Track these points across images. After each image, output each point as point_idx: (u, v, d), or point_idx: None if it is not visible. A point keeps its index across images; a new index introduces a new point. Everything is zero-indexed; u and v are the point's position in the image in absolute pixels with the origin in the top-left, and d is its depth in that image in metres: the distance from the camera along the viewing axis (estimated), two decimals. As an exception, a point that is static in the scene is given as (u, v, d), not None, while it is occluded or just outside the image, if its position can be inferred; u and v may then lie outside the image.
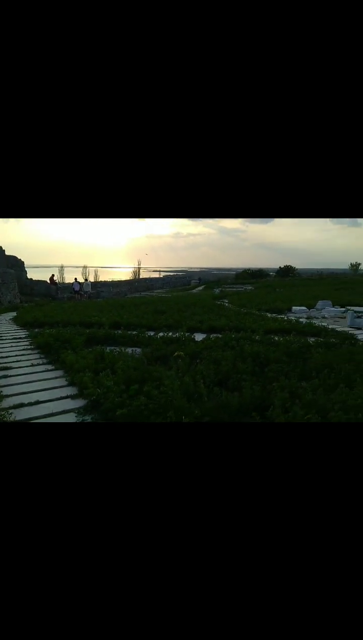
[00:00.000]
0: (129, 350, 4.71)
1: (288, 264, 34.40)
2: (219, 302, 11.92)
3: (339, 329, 6.78)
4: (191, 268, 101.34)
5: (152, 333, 5.97)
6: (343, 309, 9.30)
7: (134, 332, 5.91)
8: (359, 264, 35.60)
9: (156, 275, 41.42)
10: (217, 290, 18.52)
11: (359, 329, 7.06)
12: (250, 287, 20.73)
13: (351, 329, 7.04)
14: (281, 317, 7.95)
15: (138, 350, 4.79)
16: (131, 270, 37.88)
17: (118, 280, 26.87)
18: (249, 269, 36.10)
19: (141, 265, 38.16)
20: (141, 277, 34.54)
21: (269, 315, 8.56)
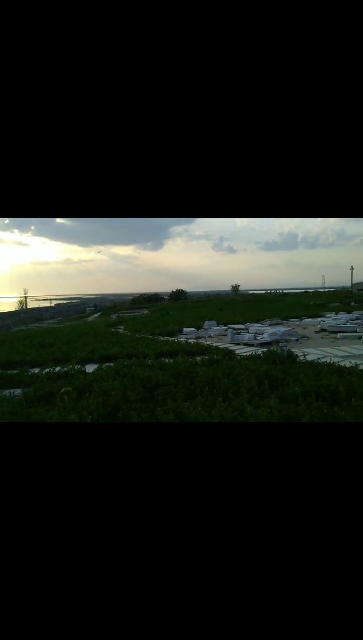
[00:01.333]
0: (6, 393, 4.21)
1: (179, 288, 36.68)
2: (114, 329, 11.81)
3: (222, 346, 7.50)
4: (86, 295, 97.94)
5: (37, 370, 5.49)
6: (226, 327, 10.36)
7: (15, 372, 5.33)
8: (239, 286, 40.41)
9: (46, 304, 38.58)
10: (114, 317, 18.36)
11: (238, 344, 7.95)
12: (146, 312, 21.22)
13: (231, 344, 7.87)
14: (172, 340, 8.35)
15: (18, 391, 4.32)
16: (17, 300, 34.36)
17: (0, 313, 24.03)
18: (145, 294, 37.03)
19: (28, 295, 35.00)
20: (28, 307, 31.65)
21: (161, 338, 8.89)
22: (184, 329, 10.44)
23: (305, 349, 6.75)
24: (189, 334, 9.94)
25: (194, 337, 9.38)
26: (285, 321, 12.01)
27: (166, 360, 5.60)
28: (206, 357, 5.78)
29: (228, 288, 43.09)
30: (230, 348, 7.16)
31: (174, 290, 36.10)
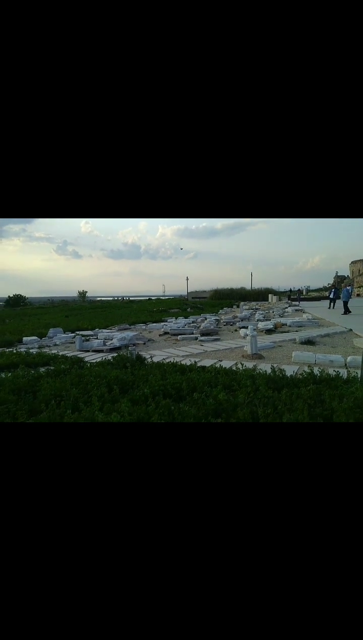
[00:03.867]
0: None
1: (17, 293, 32.55)
2: None
3: (69, 354, 7.07)
4: None
5: None
6: (73, 334, 9.84)
7: None
8: (86, 292, 39.37)
9: None
10: None
11: (87, 351, 7.69)
12: (-29, 320, 17.67)
13: (80, 352, 7.53)
14: (10, 351, 7.28)
15: None
16: None
17: None
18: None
19: None
20: None
21: (-5, 350, 7.60)
22: (24, 338, 9.29)
23: (151, 352, 7.17)
24: (31, 343, 8.91)
25: (37, 346, 8.47)
26: (132, 326, 12.44)
27: (3, 375, 4.81)
28: (52, 368, 5.31)
29: (75, 294, 41.33)
30: (79, 356, 6.83)
31: (12, 296, 31.78)
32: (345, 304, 13.63)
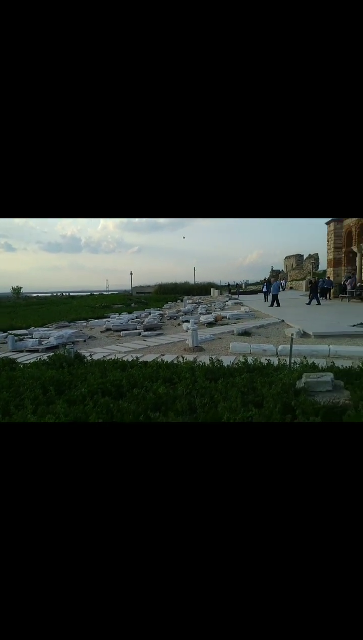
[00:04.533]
0: None
1: None
2: None
3: (1, 355, 6.55)
4: None
5: None
6: (5, 333, 9.12)
7: None
8: (20, 288, 36.66)
9: None
10: None
11: (21, 351, 7.19)
12: None
13: (13, 353, 7.02)
14: None
15: None
16: None
17: None
18: None
19: None
20: None
21: None
22: None
23: (92, 349, 6.96)
24: None
25: None
26: (72, 323, 11.93)
27: None
28: (-21, 371, 4.87)
29: (8, 290, 38.25)
30: (11, 357, 6.36)
31: None
32: (275, 296, 14.59)
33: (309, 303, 14.41)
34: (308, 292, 15.76)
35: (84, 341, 8.25)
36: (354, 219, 17.60)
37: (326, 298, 17.68)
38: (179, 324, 10.67)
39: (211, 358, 4.93)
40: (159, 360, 5.32)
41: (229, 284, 37.46)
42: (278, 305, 14.26)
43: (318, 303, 14.38)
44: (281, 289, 16.75)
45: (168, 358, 5.68)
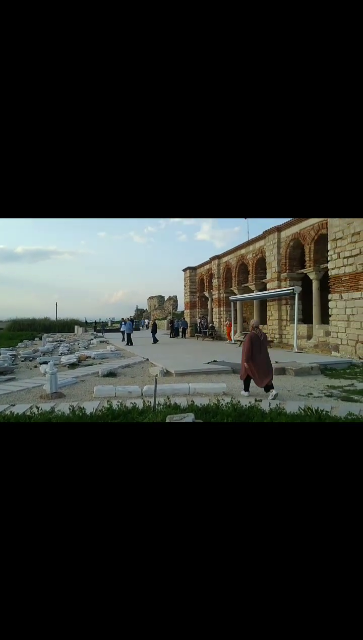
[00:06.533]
0: None
1: None
2: None
3: None
4: None
5: None
6: None
7: None
8: None
9: None
10: None
11: None
12: None
13: None
14: None
15: None
16: None
17: None
18: None
19: None
20: None
21: None
22: None
23: None
24: None
25: None
26: None
27: None
28: None
29: None
30: None
31: None
32: (128, 335, 15.10)
33: (171, 337, 15.31)
34: (169, 331, 16.86)
35: None
36: (205, 267, 20.48)
37: (183, 337, 19.45)
38: (36, 366, 9.53)
39: (72, 406, 4.50)
40: (7, 412, 4.49)
41: (95, 322, 36.70)
42: (132, 344, 14.64)
43: (154, 342, 15.49)
44: (145, 327, 17.45)
45: (19, 409, 4.87)
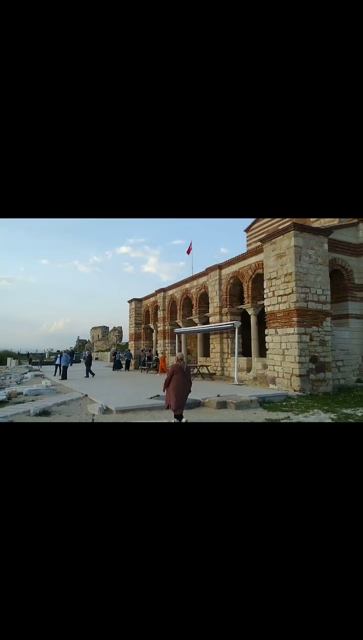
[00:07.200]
0: None
1: None
2: None
3: None
4: None
5: None
6: None
7: None
8: None
9: None
10: None
11: None
12: None
13: None
14: None
15: None
16: None
17: None
18: None
19: None
20: None
21: None
22: None
23: None
24: None
25: None
26: None
27: None
28: None
29: None
30: None
31: None
32: (65, 368, 14.12)
33: (114, 369, 14.70)
34: (111, 363, 16.18)
35: None
36: (151, 300, 20.62)
37: (127, 369, 18.93)
38: None
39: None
40: None
41: (28, 353, 34.16)
42: (66, 378, 13.78)
43: (87, 375, 14.78)
44: (84, 360, 16.58)
45: None
